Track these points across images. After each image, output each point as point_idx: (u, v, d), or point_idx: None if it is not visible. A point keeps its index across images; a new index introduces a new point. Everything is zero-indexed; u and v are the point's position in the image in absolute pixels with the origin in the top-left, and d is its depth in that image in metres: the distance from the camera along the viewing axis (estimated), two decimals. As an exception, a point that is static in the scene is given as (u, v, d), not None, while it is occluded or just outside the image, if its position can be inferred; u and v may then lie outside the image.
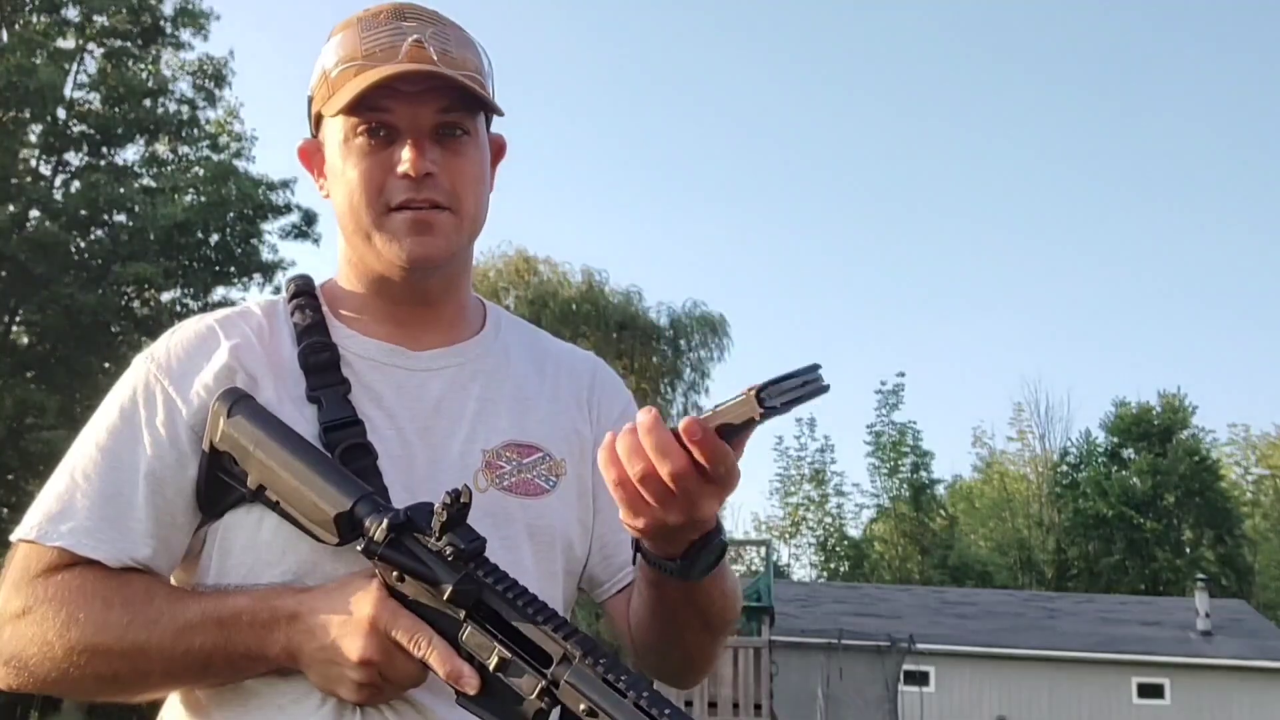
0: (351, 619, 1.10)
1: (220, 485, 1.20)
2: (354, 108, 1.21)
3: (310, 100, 1.30)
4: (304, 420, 1.21)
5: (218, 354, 1.24)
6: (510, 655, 1.07)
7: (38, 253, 18.00)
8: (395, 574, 1.11)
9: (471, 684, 1.07)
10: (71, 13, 20.36)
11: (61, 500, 1.18)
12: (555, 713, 1.06)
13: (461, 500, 1.08)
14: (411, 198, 1.22)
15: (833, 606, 24.39)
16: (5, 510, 17.69)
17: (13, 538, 1.20)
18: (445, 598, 1.09)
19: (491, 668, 1.07)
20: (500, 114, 1.28)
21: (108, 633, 1.13)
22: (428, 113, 1.23)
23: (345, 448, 1.20)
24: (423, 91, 1.22)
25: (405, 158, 1.21)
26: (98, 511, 1.17)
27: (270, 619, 1.12)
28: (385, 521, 1.11)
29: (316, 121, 1.30)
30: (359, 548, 1.11)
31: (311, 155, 1.33)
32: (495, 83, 1.32)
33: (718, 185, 59.74)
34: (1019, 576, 37.16)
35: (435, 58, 1.23)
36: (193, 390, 1.22)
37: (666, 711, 1.00)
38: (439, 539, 1.09)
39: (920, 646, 21.29)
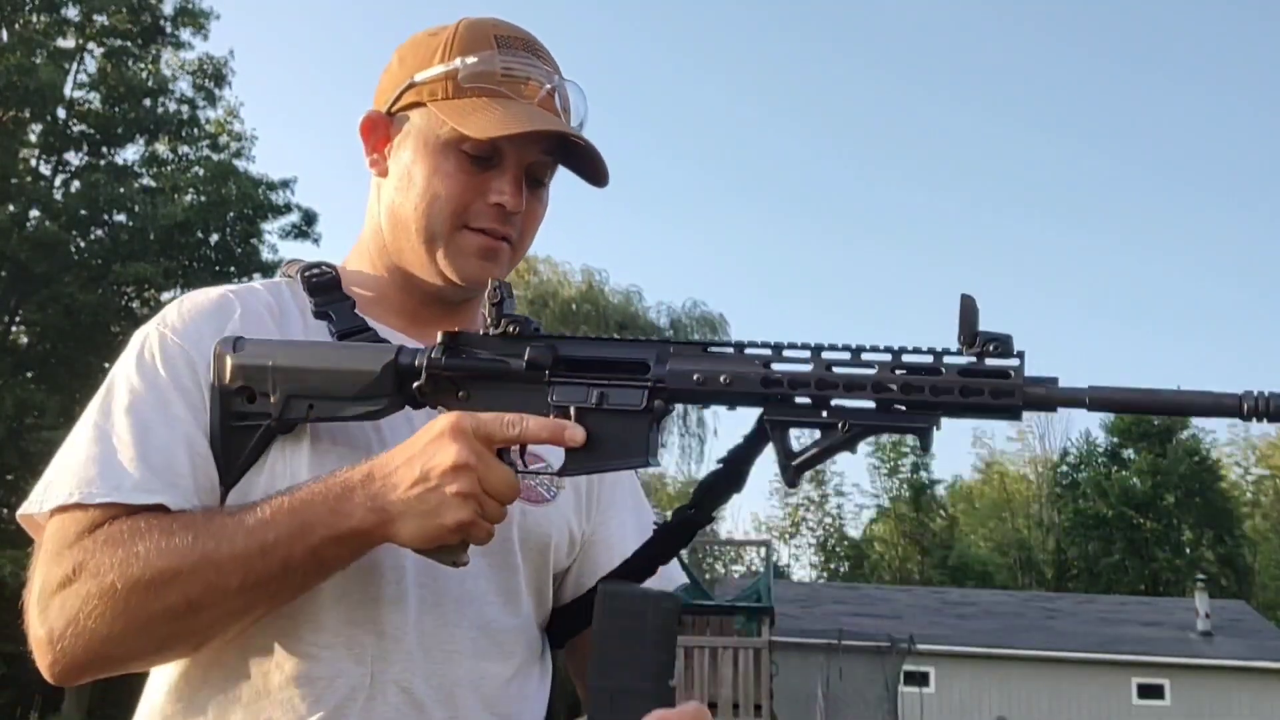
0: (433, 439, 1.06)
1: (235, 440, 1.17)
2: (494, 142, 1.21)
3: (411, 85, 1.27)
4: (317, 336, 1.23)
5: (231, 325, 1.22)
6: (606, 384, 1.09)
7: (38, 253, 18.00)
8: (460, 394, 1.12)
9: (577, 435, 1.08)
10: (71, 12, 20.39)
11: (99, 463, 1.12)
12: None
13: (505, 291, 1.12)
14: (495, 228, 1.25)
15: (833, 607, 24.36)
16: (5, 510, 17.68)
17: (41, 509, 1.13)
18: (525, 361, 1.10)
19: (593, 404, 1.09)
20: (604, 184, 1.30)
21: (173, 555, 1.05)
22: (533, 150, 1.25)
23: None
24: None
25: (505, 190, 1.24)
26: (144, 468, 1.12)
27: (344, 489, 1.07)
28: (440, 335, 1.13)
29: (407, 103, 1.28)
30: (415, 384, 1.13)
31: (375, 128, 1.31)
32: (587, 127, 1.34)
33: (718, 185, 59.80)
34: (1019, 577, 37.14)
35: (560, 110, 1.27)
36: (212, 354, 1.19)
37: (769, 350, 1.06)
38: (497, 325, 1.12)
39: (920, 647, 21.26)
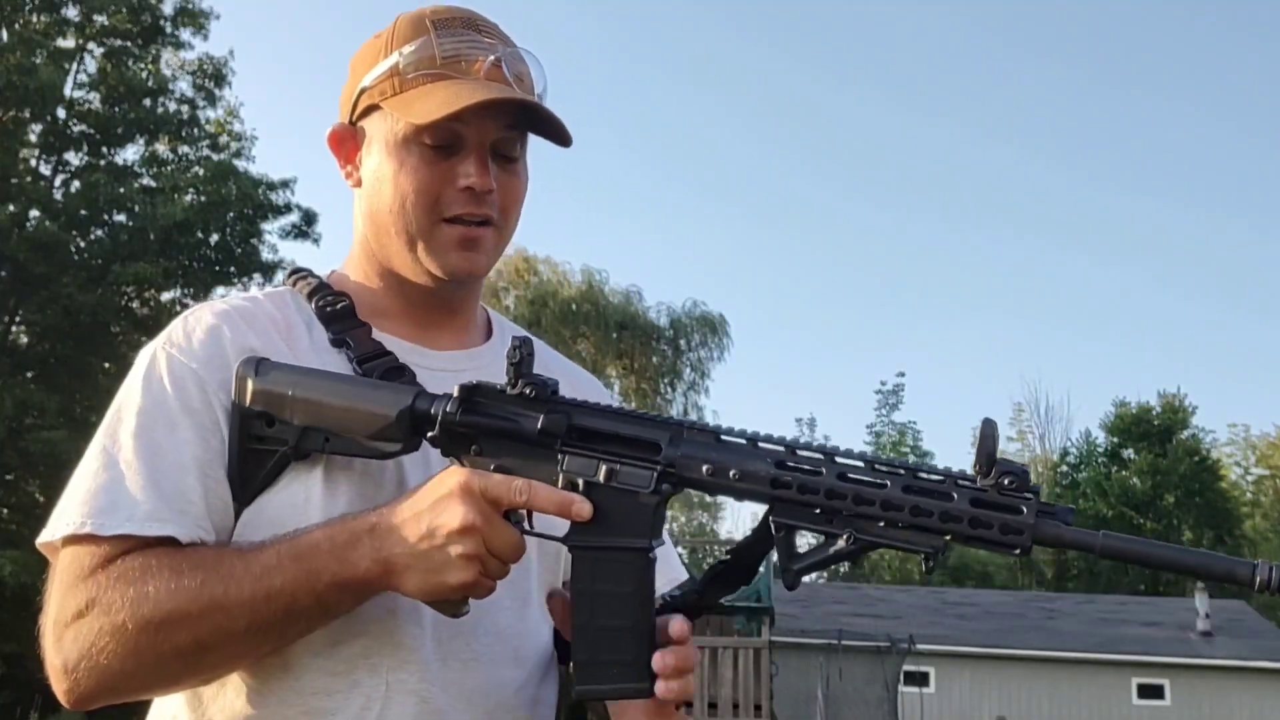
0: (441, 497, 1.06)
1: (252, 462, 1.17)
2: (441, 123, 1.20)
3: (362, 91, 1.27)
4: (335, 367, 1.22)
5: (239, 341, 1.21)
6: (617, 461, 1.08)
7: (38, 253, 17.98)
8: (474, 449, 1.11)
9: (584, 510, 1.07)
10: (71, 12, 20.35)
11: (109, 492, 1.12)
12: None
13: (525, 350, 1.11)
14: (471, 212, 1.23)
15: (833, 607, 24.33)
16: (5, 510, 17.68)
17: (54, 536, 1.13)
18: (539, 429, 1.09)
19: (601, 480, 1.08)
20: (568, 144, 1.27)
21: (182, 596, 1.06)
22: (493, 127, 1.23)
23: (383, 373, 1.21)
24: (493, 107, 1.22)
25: (471, 173, 1.22)
26: (154, 494, 1.12)
27: (350, 539, 1.08)
28: (456, 389, 1.12)
29: (363, 110, 1.28)
30: (429, 433, 1.12)
31: (342, 141, 1.31)
32: (548, 99, 1.32)
33: (718, 185, 59.80)
34: (1019, 577, 37.12)
35: (510, 78, 1.24)
36: (223, 375, 1.19)
37: (783, 448, 1.06)
38: (515, 386, 1.11)
39: (920, 647, 21.25)
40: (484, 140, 1.23)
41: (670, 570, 1.36)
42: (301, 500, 1.16)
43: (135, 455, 1.14)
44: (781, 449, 1.07)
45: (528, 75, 1.27)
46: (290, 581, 1.07)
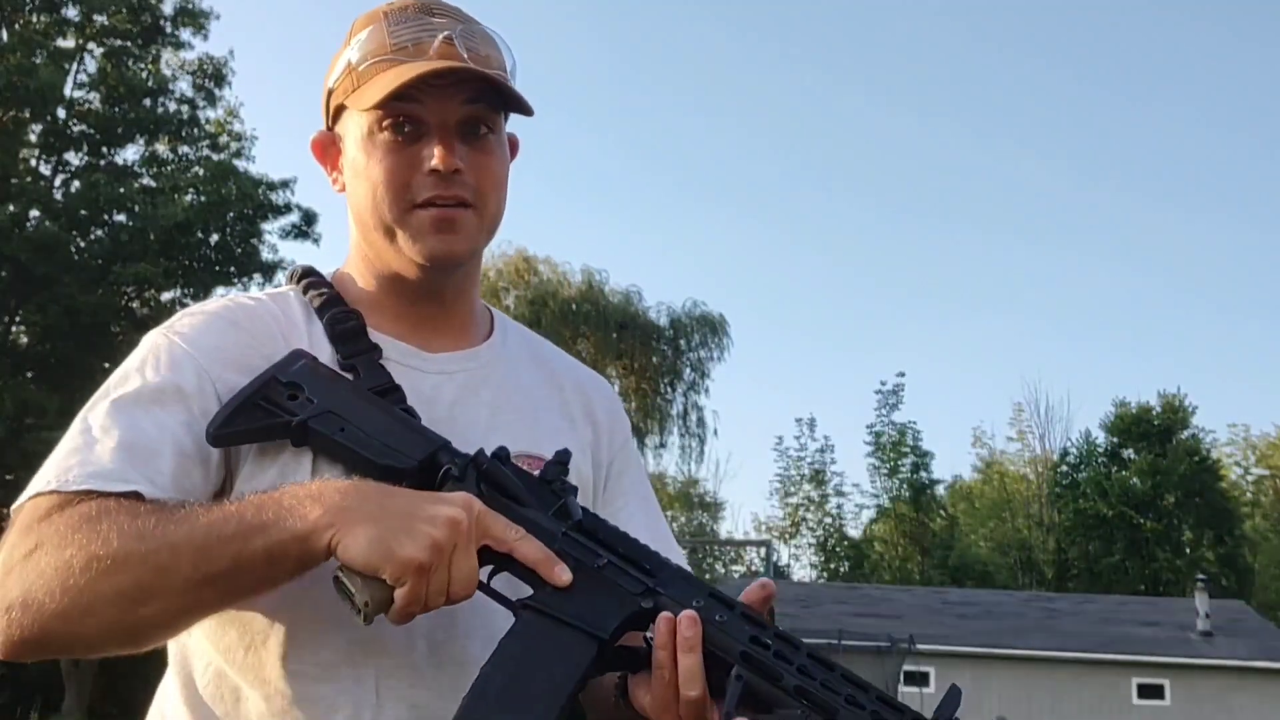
0: (439, 497, 1.05)
1: (247, 412, 1.15)
2: (385, 102, 1.20)
3: (330, 94, 1.28)
4: (323, 349, 1.22)
5: (240, 335, 1.22)
6: (615, 563, 1.09)
7: (38, 253, 18.01)
8: (483, 488, 1.11)
9: (563, 577, 1.07)
10: (71, 12, 20.40)
11: (80, 453, 1.10)
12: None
13: (561, 457, 1.14)
14: (439, 194, 1.22)
15: (833, 607, 24.36)
16: (5, 510, 17.66)
17: (21, 498, 1.10)
18: (553, 510, 1.11)
19: (593, 566, 1.08)
20: (530, 113, 1.26)
21: (133, 537, 1.02)
22: (455, 105, 1.22)
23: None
24: (450, 85, 1.21)
25: (434, 154, 1.21)
26: (123, 459, 1.10)
27: (319, 489, 1.04)
28: (476, 455, 1.13)
29: (335, 114, 1.29)
30: (454, 473, 1.12)
31: (325, 148, 1.31)
32: (518, 80, 1.30)
33: (718, 185, 59.78)
34: (1019, 577, 37.11)
35: (465, 55, 1.22)
36: (221, 366, 1.18)
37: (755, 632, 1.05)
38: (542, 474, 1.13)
39: (920, 647, 21.27)
40: (445, 120, 1.22)
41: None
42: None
43: (113, 425, 1.13)
44: (757, 630, 1.06)
45: (495, 57, 1.26)
46: (244, 528, 1.02)
